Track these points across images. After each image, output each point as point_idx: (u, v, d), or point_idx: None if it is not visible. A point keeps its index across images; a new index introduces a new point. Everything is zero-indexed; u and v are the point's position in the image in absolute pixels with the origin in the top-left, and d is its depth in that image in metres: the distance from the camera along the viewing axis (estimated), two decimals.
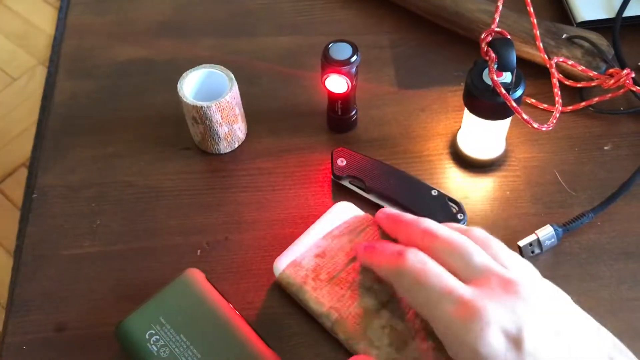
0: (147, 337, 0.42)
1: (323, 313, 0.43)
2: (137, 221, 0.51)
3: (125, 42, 0.63)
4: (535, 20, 0.52)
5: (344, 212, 0.47)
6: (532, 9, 0.51)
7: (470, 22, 0.59)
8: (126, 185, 0.53)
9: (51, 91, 0.61)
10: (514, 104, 0.45)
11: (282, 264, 0.45)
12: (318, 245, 0.46)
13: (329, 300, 0.43)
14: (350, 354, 0.42)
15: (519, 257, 0.39)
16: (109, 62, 0.61)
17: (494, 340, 0.34)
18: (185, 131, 0.55)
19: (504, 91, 0.45)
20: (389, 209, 0.45)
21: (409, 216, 0.43)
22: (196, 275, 0.44)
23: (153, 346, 0.41)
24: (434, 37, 0.62)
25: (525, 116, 0.45)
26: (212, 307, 0.43)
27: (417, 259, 0.38)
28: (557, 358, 0.34)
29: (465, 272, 0.37)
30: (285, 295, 0.46)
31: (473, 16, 0.59)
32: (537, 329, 0.34)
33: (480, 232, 0.40)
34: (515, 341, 0.34)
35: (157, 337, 0.42)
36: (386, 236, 0.45)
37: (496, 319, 0.34)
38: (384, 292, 0.43)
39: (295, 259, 0.45)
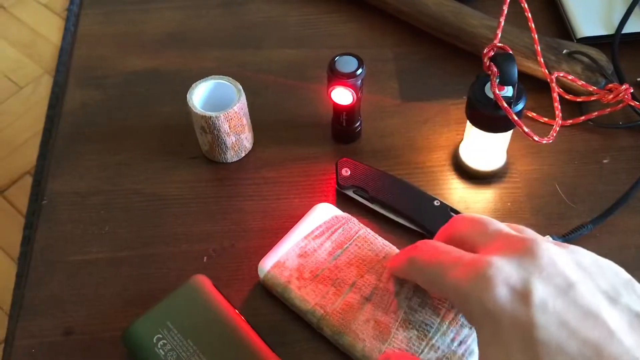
0: (154, 341, 0.42)
1: (309, 310, 0.45)
2: (145, 228, 0.52)
3: (134, 52, 0.64)
4: (536, 36, 0.53)
5: (324, 212, 0.49)
6: (533, 25, 0.52)
7: (473, 37, 0.60)
8: (134, 193, 0.54)
9: (60, 100, 0.62)
10: (515, 117, 0.46)
11: (267, 265, 0.47)
12: (300, 245, 0.47)
13: (314, 298, 0.45)
14: (337, 350, 0.44)
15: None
16: (118, 72, 0.63)
17: (500, 294, 0.33)
18: (192, 140, 0.56)
19: (505, 105, 0.46)
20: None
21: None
22: (203, 281, 0.45)
23: (160, 350, 0.42)
24: (437, 51, 0.63)
25: (526, 129, 0.46)
26: (218, 313, 0.44)
27: (427, 245, 0.40)
28: (570, 312, 0.32)
29: (480, 241, 0.37)
30: (284, 305, 0.47)
31: (475, 31, 0.60)
32: (547, 282, 0.33)
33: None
34: (522, 295, 0.32)
35: (165, 341, 0.42)
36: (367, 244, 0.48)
37: (501, 273, 0.33)
38: (367, 287, 0.45)
39: (279, 259, 0.47)
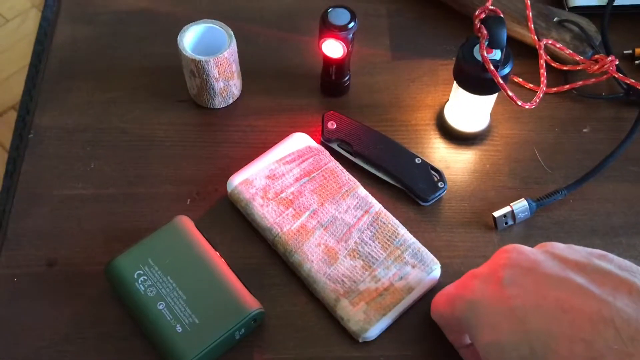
0: (135, 276, 0.44)
1: (266, 227, 0.48)
2: (130, 167, 0.53)
3: None
4: (529, 2, 0.53)
5: (299, 141, 0.52)
6: None
7: None
8: (121, 132, 0.54)
9: (49, 35, 0.61)
10: (501, 81, 0.47)
11: (236, 181, 0.50)
12: (270, 168, 0.50)
13: (273, 217, 0.48)
14: (311, 295, 0.46)
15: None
16: (110, 10, 0.62)
17: (476, 287, 0.39)
18: (181, 84, 0.56)
19: (492, 67, 0.47)
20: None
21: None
22: (185, 222, 0.46)
23: (141, 285, 0.43)
24: (430, 10, 0.63)
25: (510, 93, 0.47)
26: (199, 253, 0.45)
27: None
28: (537, 282, 0.36)
29: None
30: (268, 247, 0.48)
31: None
32: (513, 266, 0.37)
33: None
34: (495, 280, 0.37)
35: (145, 277, 0.44)
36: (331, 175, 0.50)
37: (479, 274, 0.40)
38: (325, 215, 0.48)
39: (248, 177, 0.50)
